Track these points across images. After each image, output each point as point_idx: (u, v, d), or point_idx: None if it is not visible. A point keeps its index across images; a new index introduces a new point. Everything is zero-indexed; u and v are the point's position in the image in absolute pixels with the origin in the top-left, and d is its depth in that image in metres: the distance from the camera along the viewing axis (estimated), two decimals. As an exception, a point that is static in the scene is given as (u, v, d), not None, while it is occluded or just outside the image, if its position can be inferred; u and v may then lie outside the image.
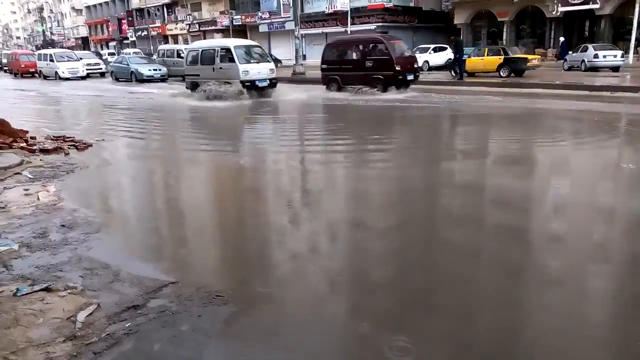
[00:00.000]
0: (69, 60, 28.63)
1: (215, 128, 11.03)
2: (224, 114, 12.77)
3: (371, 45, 15.37)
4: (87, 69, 28.96)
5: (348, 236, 4.07)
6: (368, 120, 11.44)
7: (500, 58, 19.31)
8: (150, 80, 23.44)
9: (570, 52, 22.85)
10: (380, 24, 34.57)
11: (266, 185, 5.90)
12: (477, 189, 5.45)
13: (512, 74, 18.77)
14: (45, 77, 28.85)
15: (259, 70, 14.90)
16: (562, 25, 28.47)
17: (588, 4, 25.98)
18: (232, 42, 15.68)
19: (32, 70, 31.29)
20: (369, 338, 2.60)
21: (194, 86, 15.74)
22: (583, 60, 20.95)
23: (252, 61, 15.03)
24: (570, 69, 21.83)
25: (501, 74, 18.97)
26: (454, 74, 19.39)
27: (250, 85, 14.53)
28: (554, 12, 27.48)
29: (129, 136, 9.49)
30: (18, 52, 40.33)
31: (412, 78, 15.27)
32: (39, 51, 33.90)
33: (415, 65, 15.83)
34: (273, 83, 15.26)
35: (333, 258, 3.63)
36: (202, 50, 15.85)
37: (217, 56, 14.98)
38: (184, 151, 8.10)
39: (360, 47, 15.64)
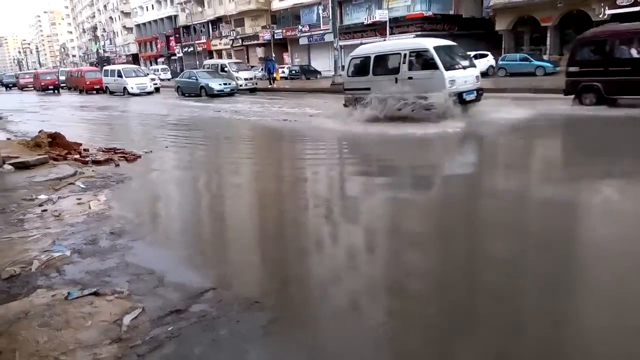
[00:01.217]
0: (137, 76, 28.31)
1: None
2: (438, 155, 8.13)
3: None
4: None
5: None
6: None
7: None
8: (220, 94, 22.62)
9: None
10: (419, 32, 34.30)
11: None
12: None
13: None
14: (112, 93, 28.52)
15: (466, 79, 10.77)
16: (612, 29, 27.35)
17: (638, 5, 24.86)
18: (429, 43, 11.30)
19: (97, 87, 31.44)
20: (407, 348, 2.58)
21: (356, 103, 11.74)
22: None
23: (457, 66, 10.90)
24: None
25: None
26: None
27: (456, 100, 10.37)
28: (600, 16, 26.44)
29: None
30: (83, 69, 40.20)
31: None
32: (106, 67, 33.92)
33: None
34: (480, 94, 11.15)
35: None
36: (376, 56, 11.76)
37: (403, 62, 10.91)
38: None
39: None
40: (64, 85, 37.41)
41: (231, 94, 22.98)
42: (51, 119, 16.31)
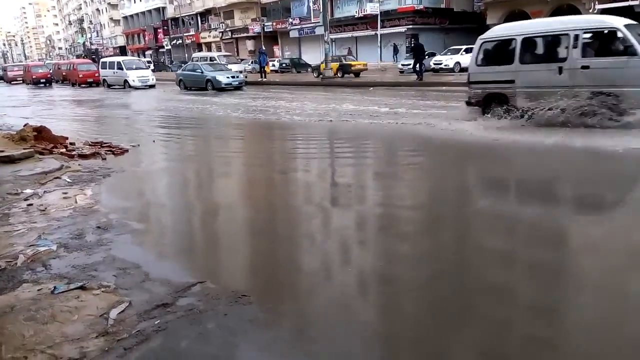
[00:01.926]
0: (138, 68, 27.20)
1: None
2: None
3: None
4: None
5: None
6: None
7: (337, 64, 27.16)
8: (226, 88, 21.42)
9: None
10: (410, 26, 34.37)
11: None
12: None
13: (344, 75, 26.39)
14: (110, 86, 27.58)
15: None
16: (600, 23, 27.63)
17: (627, 0, 25.09)
18: (616, 20, 8.33)
19: (90, 80, 30.18)
20: (396, 343, 2.61)
21: (489, 101, 9.16)
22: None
23: None
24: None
25: (338, 74, 26.34)
26: (417, 76, 21.41)
27: None
28: (590, 10, 26.67)
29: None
30: (75, 61, 38.47)
31: None
32: (104, 59, 32.64)
33: None
34: None
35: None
36: (526, 38, 8.80)
37: (573, 46, 8.08)
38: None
39: None
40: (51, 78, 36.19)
41: (239, 87, 21.86)
42: (47, 114, 15.17)
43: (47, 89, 31.38)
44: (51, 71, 36.86)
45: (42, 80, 34.22)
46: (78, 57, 73.73)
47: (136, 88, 25.55)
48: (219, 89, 21.27)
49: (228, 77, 21.83)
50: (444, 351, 2.47)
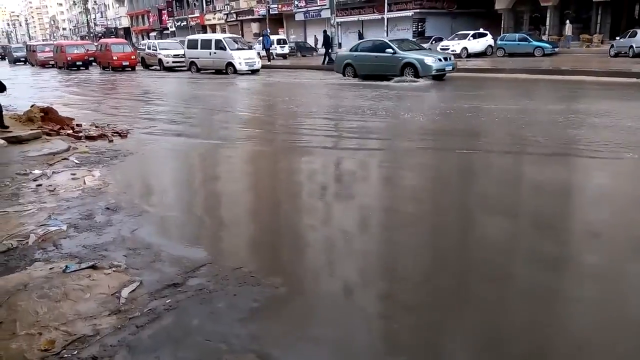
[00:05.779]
0: (241, 49, 21.60)
1: None
2: None
3: None
4: (174, 61, 24.15)
5: None
6: None
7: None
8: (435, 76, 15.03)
9: (617, 38, 22.01)
10: (418, 10, 33.95)
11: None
12: None
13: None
14: (199, 71, 22.26)
15: None
16: (610, 10, 27.18)
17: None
18: None
19: (125, 63, 26.35)
20: (397, 324, 2.65)
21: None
22: (631, 46, 19.99)
23: None
24: (617, 55, 20.90)
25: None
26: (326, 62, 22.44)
27: None
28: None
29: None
30: (108, 41, 31.54)
31: None
32: (191, 36, 26.12)
33: None
34: None
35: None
36: None
37: None
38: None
39: None
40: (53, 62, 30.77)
41: (444, 75, 15.58)
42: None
43: (85, 74, 26.53)
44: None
45: (77, 63, 29.08)
46: (82, 38, 73.26)
47: (242, 73, 20.56)
48: (425, 76, 14.89)
49: (439, 60, 15.36)
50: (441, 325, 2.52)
